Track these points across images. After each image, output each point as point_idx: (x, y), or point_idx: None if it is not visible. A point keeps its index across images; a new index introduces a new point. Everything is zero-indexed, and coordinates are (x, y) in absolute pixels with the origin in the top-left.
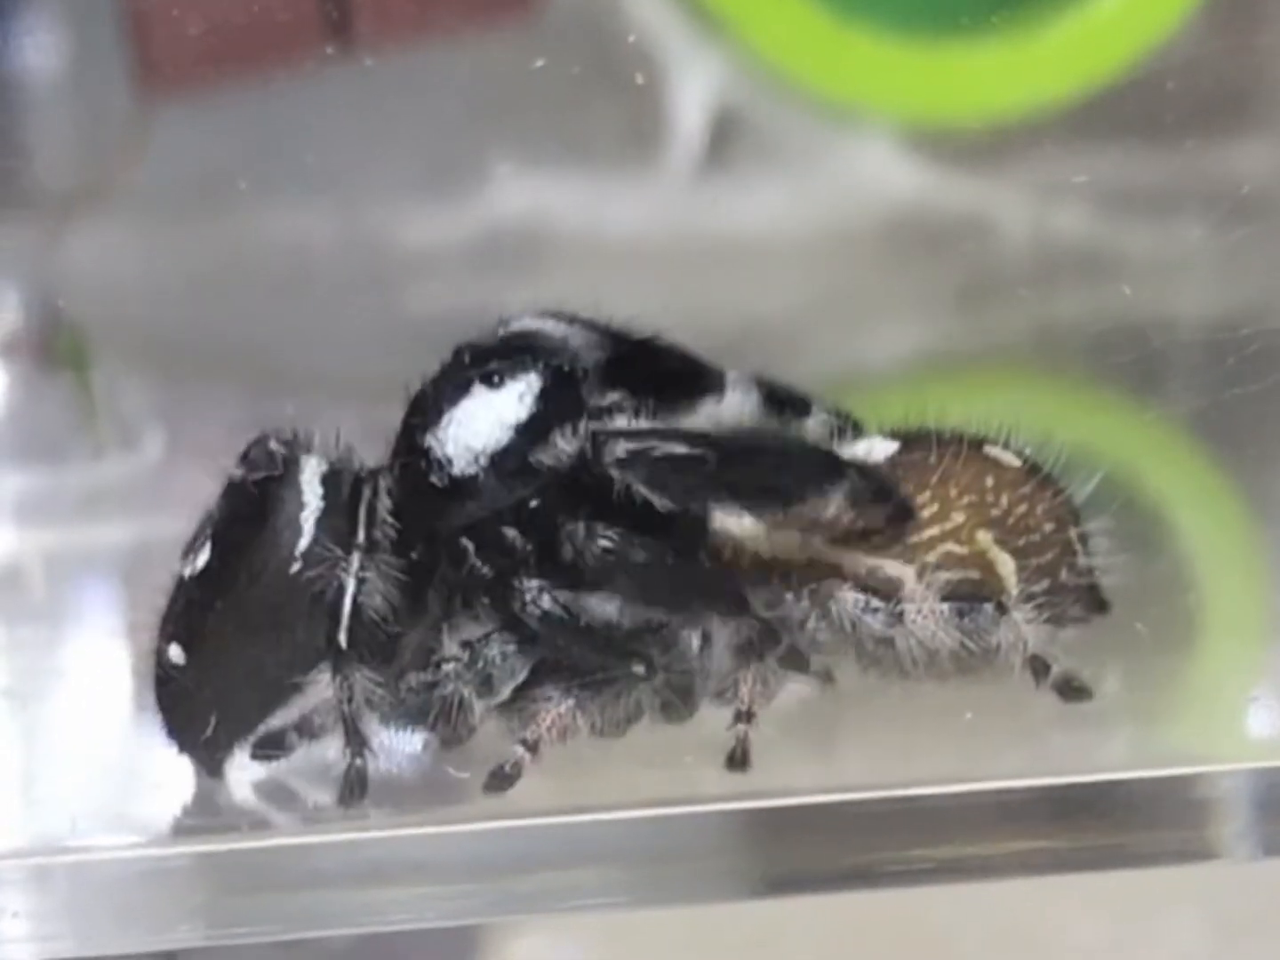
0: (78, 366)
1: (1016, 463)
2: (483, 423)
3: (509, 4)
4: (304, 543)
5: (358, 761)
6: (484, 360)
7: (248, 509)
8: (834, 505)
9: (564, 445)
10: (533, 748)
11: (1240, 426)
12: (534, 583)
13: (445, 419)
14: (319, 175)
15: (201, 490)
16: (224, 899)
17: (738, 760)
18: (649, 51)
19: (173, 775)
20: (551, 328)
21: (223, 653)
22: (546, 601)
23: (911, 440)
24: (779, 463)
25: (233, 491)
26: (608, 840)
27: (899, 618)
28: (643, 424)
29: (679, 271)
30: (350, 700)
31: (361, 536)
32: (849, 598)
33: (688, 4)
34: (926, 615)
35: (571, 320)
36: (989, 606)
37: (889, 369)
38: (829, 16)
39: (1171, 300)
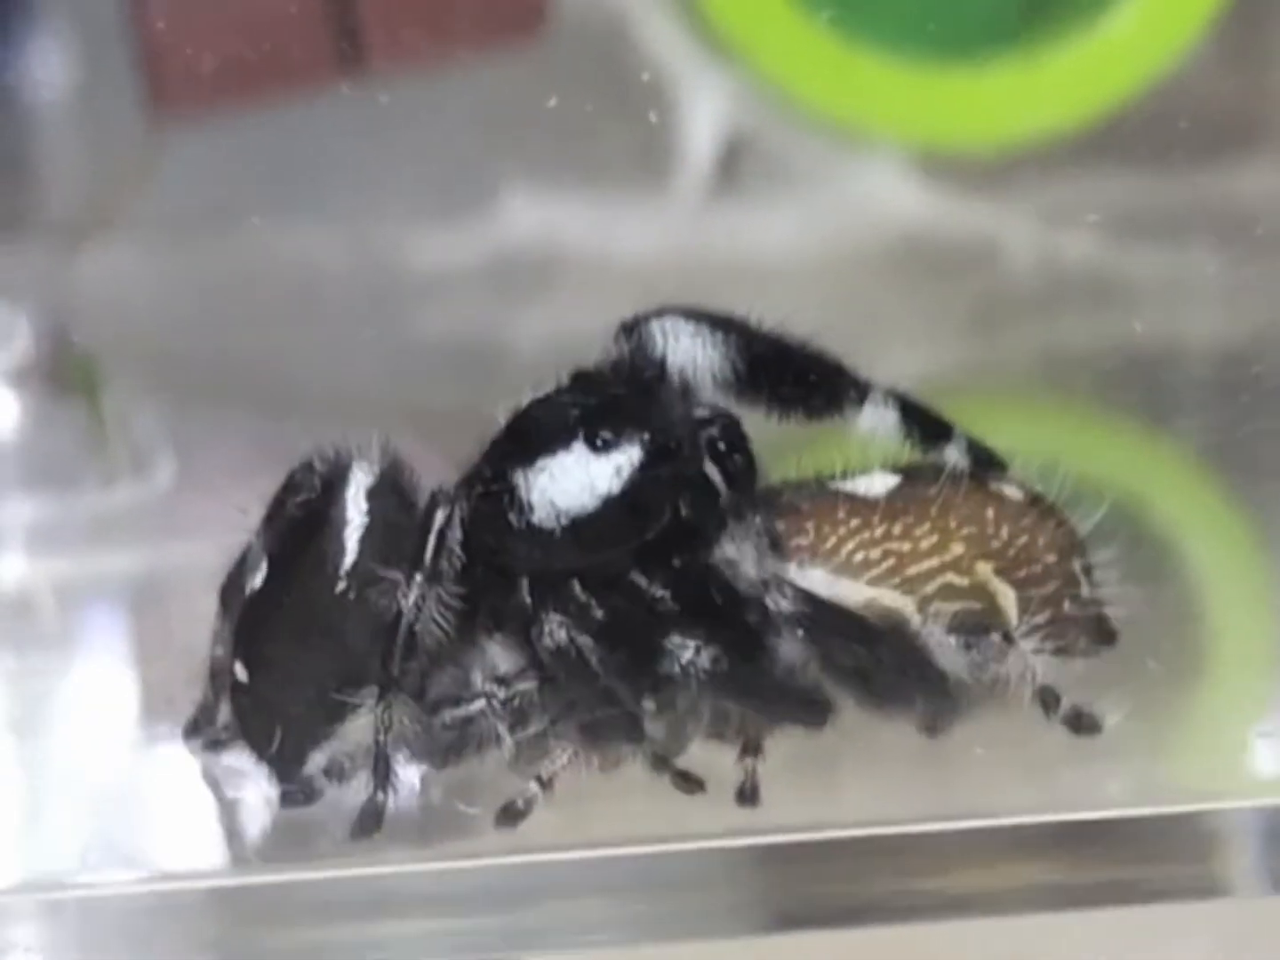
0: (88, 393)
1: (1019, 494)
2: (575, 485)
3: (517, 29)
4: (349, 560)
5: (379, 796)
6: (596, 399)
7: (296, 529)
8: None
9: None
10: (547, 784)
11: (1250, 456)
12: (555, 617)
13: (539, 465)
14: (330, 199)
15: (213, 517)
16: (234, 933)
17: (748, 795)
18: (658, 77)
19: (184, 808)
20: (681, 337)
21: (281, 670)
22: (562, 636)
23: (914, 474)
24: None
25: (278, 512)
26: (616, 875)
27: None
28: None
29: (688, 295)
30: (389, 730)
31: (428, 560)
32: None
33: (697, 28)
34: (934, 647)
35: (708, 322)
36: (995, 637)
37: None
38: (838, 41)
39: (1180, 328)
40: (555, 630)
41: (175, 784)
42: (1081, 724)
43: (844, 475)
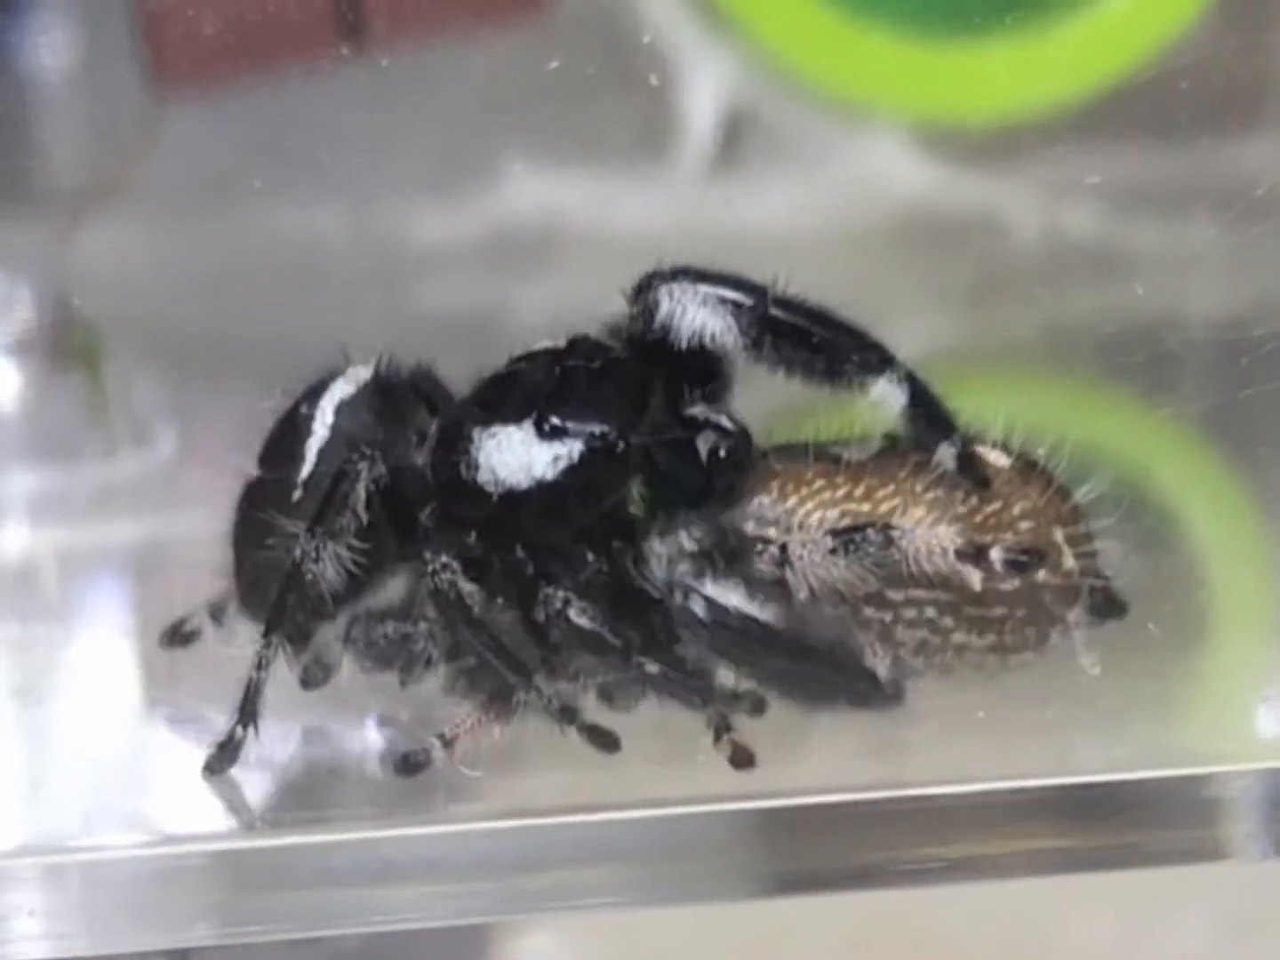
0: (90, 364)
1: (1004, 462)
2: (515, 461)
3: (521, 3)
4: (305, 470)
5: (239, 731)
6: (564, 378)
7: (279, 437)
8: None
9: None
10: (449, 743)
11: (1251, 425)
12: (443, 560)
13: (490, 433)
14: (331, 172)
15: (214, 487)
16: (237, 897)
17: (740, 759)
18: (661, 50)
19: (185, 773)
20: (692, 303)
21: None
22: (445, 580)
23: (906, 442)
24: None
25: (283, 415)
26: (618, 839)
27: (784, 553)
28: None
29: None
30: (265, 668)
31: (327, 514)
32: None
33: (699, 2)
34: (812, 549)
35: (722, 283)
36: (871, 531)
37: None
38: (840, 15)
39: (1183, 299)
40: (441, 574)
41: (177, 749)
42: (1104, 606)
43: (839, 441)
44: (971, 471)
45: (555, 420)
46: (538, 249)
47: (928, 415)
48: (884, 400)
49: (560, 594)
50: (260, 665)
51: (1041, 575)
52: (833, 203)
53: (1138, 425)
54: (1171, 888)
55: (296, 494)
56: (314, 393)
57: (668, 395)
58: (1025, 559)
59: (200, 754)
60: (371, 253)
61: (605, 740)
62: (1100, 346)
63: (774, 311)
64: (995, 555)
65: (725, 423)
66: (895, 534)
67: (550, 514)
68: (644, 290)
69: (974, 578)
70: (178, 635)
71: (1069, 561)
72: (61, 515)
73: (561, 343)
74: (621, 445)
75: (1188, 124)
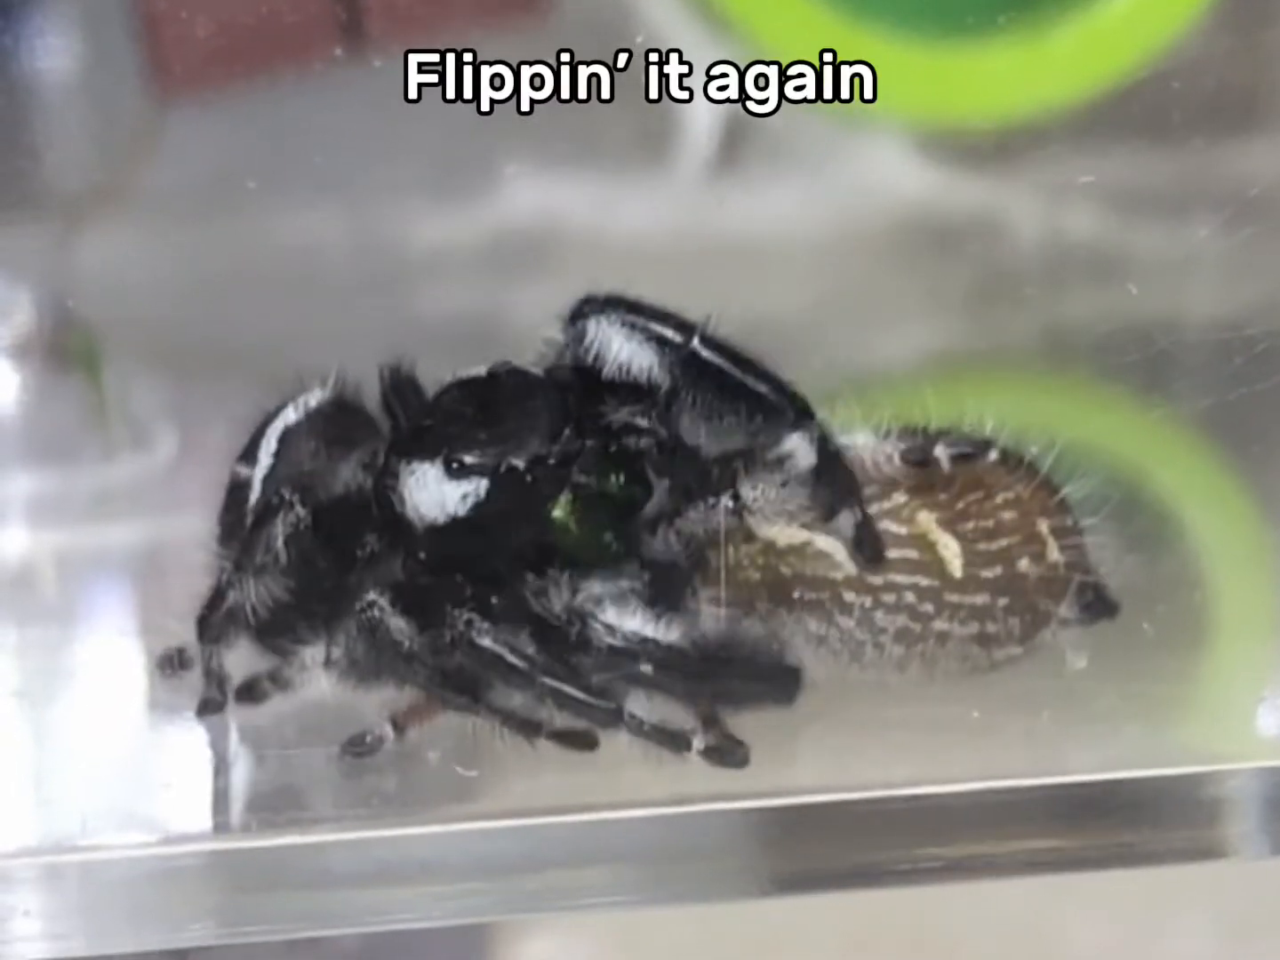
0: (89, 367)
1: (993, 455)
2: (429, 499)
3: (518, 5)
4: (251, 500)
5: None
6: (481, 413)
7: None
8: None
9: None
10: (400, 727)
11: (1249, 425)
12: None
13: (408, 469)
14: (330, 176)
15: (213, 490)
16: (235, 898)
17: (736, 759)
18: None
19: (183, 775)
20: (617, 336)
21: None
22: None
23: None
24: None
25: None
26: (616, 839)
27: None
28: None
29: (689, 272)
30: (211, 674)
31: (251, 549)
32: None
33: (699, 4)
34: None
35: (657, 318)
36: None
37: (898, 369)
38: (838, 18)
39: (1180, 300)
40: (369, 611)
41: (175, 751)
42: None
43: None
44: (868, 545)
45: (462, 457)
46: (536, 252)
47: (833, 479)
48: (793, 455)
49: (464, 615)
50: (206, 672)
51: (1024, 565)
52: (831, 205)
53: (1135, 425)
54: (1170, 887)
55: (255, 500)
56: (262, 427)
57: (589, 418)
58: (970, 449)
59: (197, 756)
60: (370, 256)
61: (580, 740)
62: (1098, 347)
63: (699, 350)
64: (940, 451)
65: (643, 425)
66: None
67: (464, 546)
68: (575, 318)
69: (955, 564)
70: (174, 661)
71: (1054, 554)
72: (60, 518)
73: (483, 371)
74: (528, 478)
75: (1184, 126)
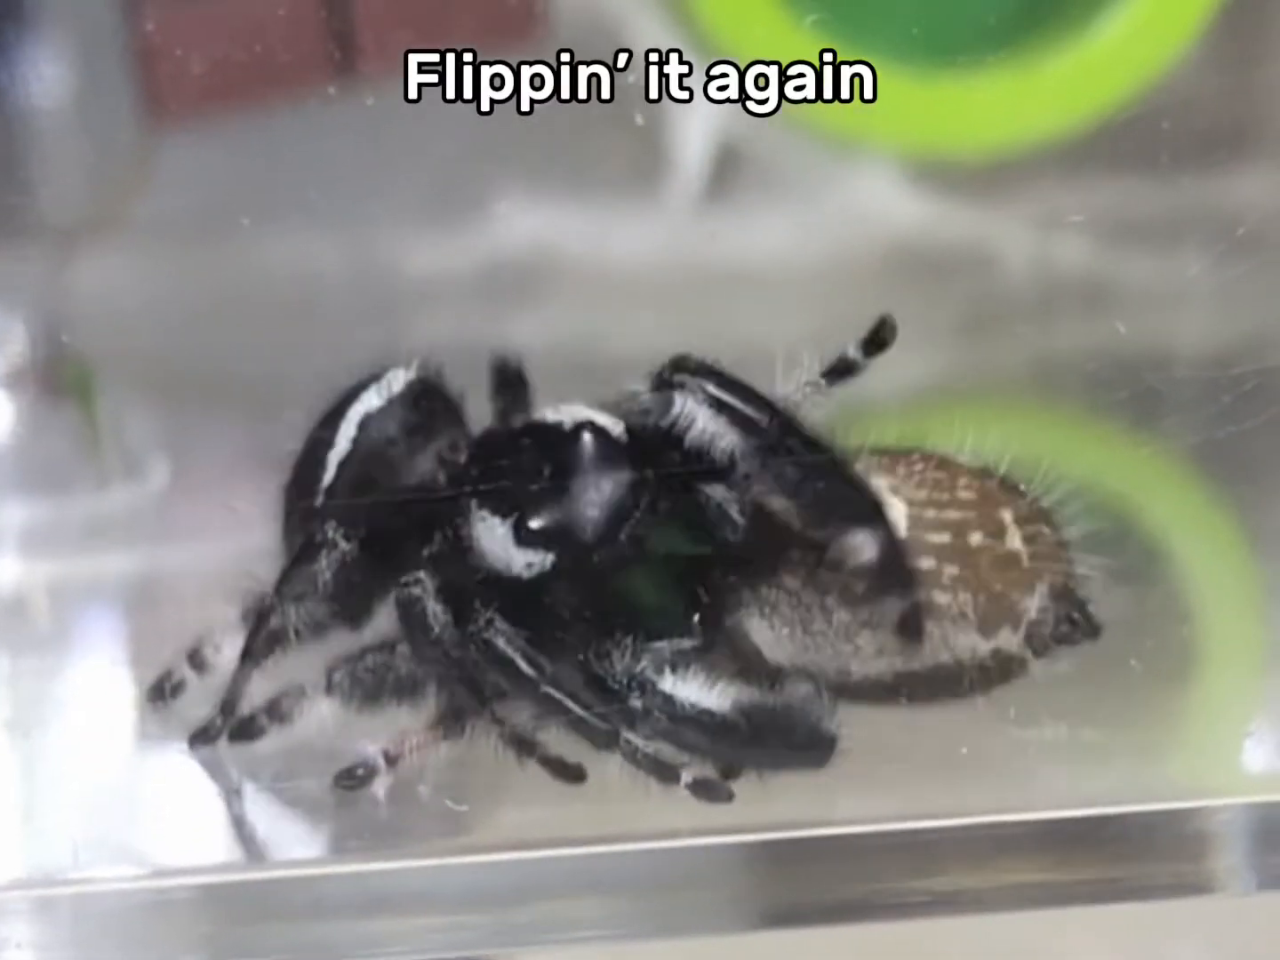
0: (83, 397)
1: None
2: (494, 553)
3: (512, 36)
4: (325, 482)
5: (218, 718)
6: (546, 482)
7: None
8: None
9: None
10: (391, 760)
11: (1239, 459)
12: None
13: (479, 515)
14: (324, 205)
15: (206, 520)
16: (226, 930)
17: (721, 795)
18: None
19: (176, 806)
20: (699, 413)
21: None
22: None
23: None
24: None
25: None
26: (608, 872)
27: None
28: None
29: (682, 301)
30: (239, 692)
31: (290, 575)
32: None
33: (690, 34)
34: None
35: (743, 395)
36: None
37: (889, 399)
38: (831, 47)
39: (1171, 333)
40: (411, 587)
41: (167, 782)
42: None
43: None
44: (912, 632)
45: (531, 525)
46: (530, 281)
47: (893, 576)
48: (858, 549)
49: (487, 613)
50: (234, 687)
51: (976, 540)
52: (823, 235)
53: (1124, 459)
54: (1158, 921)
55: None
56: (340, 407)
57: (666, 484)
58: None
59: (192, 787)
60: (365, 286)
61: (569, 772)
62: (1088, 380)
63: (782, 438)
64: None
65: (726, 508)
66: None
67: (522, 602)
68: (662, 384)
69: (900, 525)
70: (164, 690)
71: (1014, 542)
72: (53, 547)
73: (567, 422)
74: (594, 557)
75: (1175, 159)
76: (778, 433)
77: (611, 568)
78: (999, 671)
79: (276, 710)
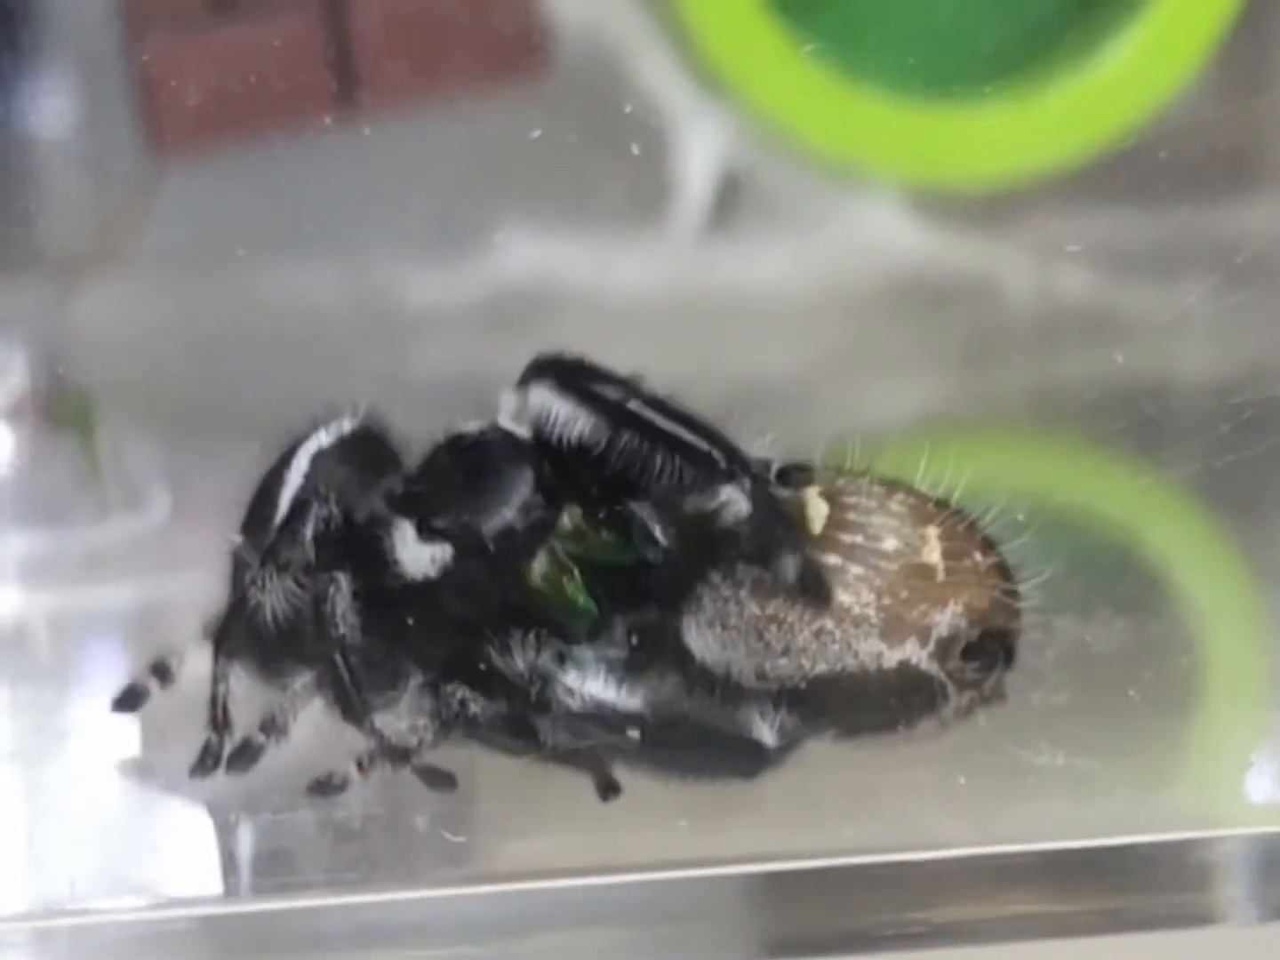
0: (83, 428)
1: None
2: (406, 556)
3: (513, 70)
4: (278, 516)
5: (212, 740)
6: (452, 482)
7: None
8: None
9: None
10: (364, 770)
11: (1240, 489)
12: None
13: (394, 523)
14: (325, 237)
15: (206, 551)
16: None
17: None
18: (653, 114)
19: (174, 838)
20: (555, 403)
21: None
22: (331, 598)
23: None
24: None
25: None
26: (607, 903)
27: None
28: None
29: (684, 332)
30: (219, 682)
31: (279, 545)
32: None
33: (693, 66)
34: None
35: (582, 384)
36: None
37: (891, 429)
38: (832, 79)
39: (1170, 362)
40: (330, 584)
41: (166, 814)
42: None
43: None
44: (813, 587)
45: (433, 522)
46: (531, 312)
47: (770, 527)
48: (729, 504)
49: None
50: (215, 681)
51: (889, 546)
52: (824, 265)
53: (1127, 488)
54: (1160, 953)
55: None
56: (293, 448)
57: (568, 482)
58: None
59: (189, 818)
60: (366, 316)
61: (440, 780)
62: (1088, 409)
63: (633, 407)
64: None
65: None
66: None
67: (436, 603)
68: (522, 383)
69: (816, 523)
70: (128, 700)
71: (932, 556)
72: (54, 579)
73: (475, 429)
74: (492, 548)
75: (1175, 189)
76: (629, 405)
77: (511, 561)
78: (909, 687)
79: (271, 724)
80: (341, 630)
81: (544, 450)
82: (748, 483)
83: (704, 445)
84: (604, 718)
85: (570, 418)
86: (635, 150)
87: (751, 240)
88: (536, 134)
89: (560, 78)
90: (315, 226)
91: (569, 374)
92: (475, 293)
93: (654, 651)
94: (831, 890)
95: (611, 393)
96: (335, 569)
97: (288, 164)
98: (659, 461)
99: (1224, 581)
